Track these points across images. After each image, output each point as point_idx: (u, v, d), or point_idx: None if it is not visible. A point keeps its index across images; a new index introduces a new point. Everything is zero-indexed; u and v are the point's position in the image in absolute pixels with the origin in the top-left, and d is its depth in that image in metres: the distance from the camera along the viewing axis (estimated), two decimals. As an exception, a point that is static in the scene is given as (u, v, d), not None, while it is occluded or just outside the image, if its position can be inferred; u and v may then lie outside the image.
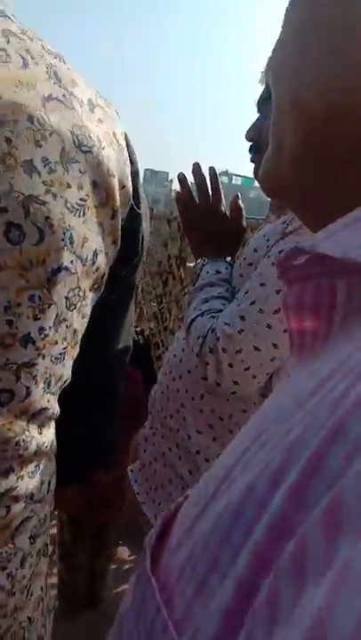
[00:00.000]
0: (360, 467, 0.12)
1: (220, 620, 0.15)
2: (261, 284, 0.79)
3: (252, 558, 0.15)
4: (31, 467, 0.46)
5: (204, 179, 0.99)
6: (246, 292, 0.80)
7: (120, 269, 0.48)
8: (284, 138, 0.28)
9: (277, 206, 0.96)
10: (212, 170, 1.00)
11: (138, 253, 0.50)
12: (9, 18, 0.37)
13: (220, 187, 1.03)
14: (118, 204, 0.44)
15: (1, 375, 0.40)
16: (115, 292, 0.49)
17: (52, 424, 0.49)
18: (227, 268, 0.96)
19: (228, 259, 1.00)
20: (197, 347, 0.81)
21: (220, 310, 0.84)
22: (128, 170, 0.45)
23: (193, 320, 0.85)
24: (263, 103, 0.95)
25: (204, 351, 0.79)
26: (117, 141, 0.44)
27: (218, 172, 1.06)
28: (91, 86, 0.41)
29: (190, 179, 1.02)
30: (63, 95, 0.38)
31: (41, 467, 0.48)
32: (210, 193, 1.00)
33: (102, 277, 0.46)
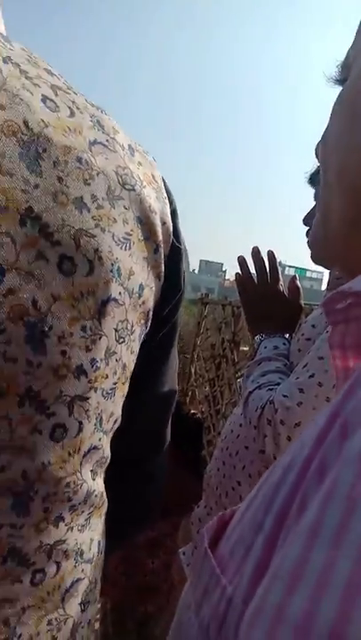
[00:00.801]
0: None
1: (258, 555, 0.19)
2: (320, 358, 0.79)
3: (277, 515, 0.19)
4: (81, 519, 0.45)
5: (263, 260, 1.04)
6: (305, 366, 0.81)
7: (164, 307, 0.49)
8: (332, 203, 0.32)
9: (334, 284, 0.99)
10: (270, 253, 1.05)
11: (180, 289, 0.51)
12: (56, 75, 0.42)
13: (278, 267, 1.07)
14: (160, 239, 0.46)
15: (55, 409, 0.39)
16: (159, 332, 0.50)
17: (102, 473, 0.47)
18: (284, 344, 0.97)
19: (286, 335, 1.01)
20: (255, 418, 0.80)
21: (279, 383, 0.84)
22: (167, 208, 0.47)
23: (251, 392, 0.85)
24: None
25: (262, 423, 0.79)
26: (156, 181, 0.47)
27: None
28: (127, 135, 0.46)
29: (249, 262, 1.07)
30: (106, 140, 0.42)
31: (91, 521, 0.46)
32: (268, 274, 1.04)
33: (148, 312, 0.47)
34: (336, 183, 0.31)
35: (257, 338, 1.02)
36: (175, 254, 0.48)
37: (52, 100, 0.39)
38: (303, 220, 1.06)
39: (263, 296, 1.03)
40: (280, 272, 1.08)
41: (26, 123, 0.36)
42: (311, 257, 0.40)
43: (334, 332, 0.26)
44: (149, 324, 0.47)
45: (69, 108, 0.40)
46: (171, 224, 0.47)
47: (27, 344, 0.37)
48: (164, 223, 0.46)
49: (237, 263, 1.08)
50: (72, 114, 0.40)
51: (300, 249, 1.12)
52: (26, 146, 0.36)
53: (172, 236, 0.48)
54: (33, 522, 0.40)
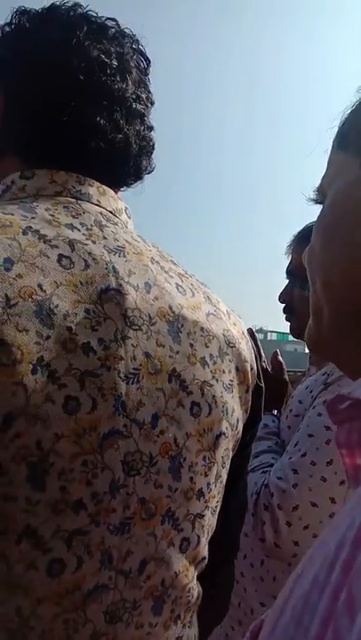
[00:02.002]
0: None
1: None
2: (310, 435, 0.79)
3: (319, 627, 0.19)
4: (188, 616, 0.52)
5: (255, 337, 1.06)
6: (296, 444, 0.81)
7: (246, 433, 0.59)
8: (321, 309, 0.37)
9: (316, 359, 1.01)
10: (250, 330, 1.08)
11: (260, 419, 0.62)
12: (177, 264, 0.55)
13: (260, 345, 1.09)
14: (250, 382, 0.57)
15: (183, 525, 0.49)
16: (241, 452, 0.59)
17: None
18: (273, 422, 0.97)
19: (275, 412, 1.01)
20: (252, 505, 0.79)
21: (271, 464, 0.83)
22: (254, 355, 0.59)
23: (245, 476, 0.84)
24: (291, 273, 1.07)
25: (259, 509, 0.77)
26: (245, 337, 0.59)
27: (254, 330, 1.14)
28: (222, 301, 0.59)
29: None
30: (215, 311, 0.55)
31: (193, 619, 0.54)
32: None
33: (238, 440, 0.57)
34: (323, 295, 0.36)
35: (246, 417, 1.02)
36: (258, 391, 0.60)
37: (181, 286, 0.52)
38: (279, 299, 1.10)
39: None
40: (262, 338, 1.11)
41: (170, 307, 0.49)
42: (310, 351, 0.43)
43: (340, 432, 0.28)
44: (237, 447, 0.57)
45: (191, 290, 0.54)
46: (256, 368, 0.59)
47: (169, 473, 0.47)
48: (252, 369, 0.58)
49: None
50: (193, 294, 0.53)
51: (281, 314, 1.16)
52: (171, 324, 0.49)
53: (256, 378, 0.59)
54: (163, 620, 0.48)
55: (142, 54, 0.58)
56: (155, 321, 0.47)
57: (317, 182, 0.41)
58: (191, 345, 0.50)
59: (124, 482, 0.43)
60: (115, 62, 0.53)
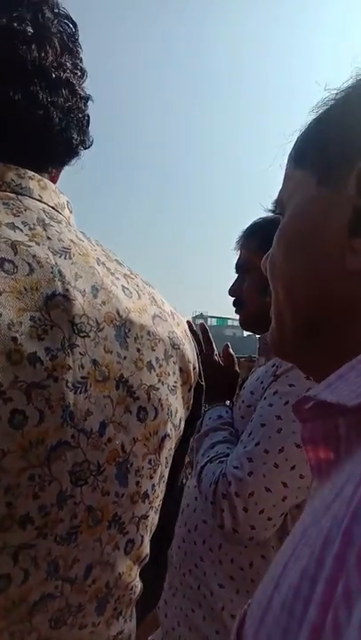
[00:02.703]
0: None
1: None
2: (262, 425, 0.84)
3: (312, 626, 0.20)
4: (129, 610, 0.53)
5: (196, 334, 1.10)
6: (250, 434, 0.85)
7: (186, 429, 0.59)
8: (283, 315, 0.39)
9: (264, 349, 1.06)
10: (202, 325, 1.11)
11: (199, 416, 0.63)
12: (122, 264, 0.54)
13: (211, 338, 1.13)
14: (192, 381, 0.58)
15: (128, 528, 0.49)
16: (180, 446, 0.59)
17: None
18: (227, 412, 1.01)
19: (228, 402, 1.06)
20: (211, 494, 0.83)
21: (228, 454, 0.87)
22: (195, 354, 0.59)
23: (203, 467, 0.88)
24: (240, 268, 1.11)
25: (218, 497, 0.81)
26: (188, 336, 0.59)
27: (194, 316, 1.18)
28: (166, 302, 0.58)
29: None
30: (160, 312, 0.54)
31: (133, 612, 0.55)
32: (203, 346, 1.09)
33: (180, 437, 0.57)
34: (285, 302, 0.38)
35: (200, 409, 1.05)
36: (199, 389, 0.60)
37: (127, 288, 0.51)
38: (229, 292, 1.14)
39: (201, 367, 1.08)
40: (203, 322, 1.15)
41: (117, 312, 0.48)
42: (274, 354, 0.45)
43: (305, 429, 0.31)
44: (178, 442, 0.58)
45: (137, 291, 0.52)
46: (198, 366, 0.60)
47: (116, 479, 0.46)
48: (194, 368, 0.58)
49: None
50: (139, 296, 0.52)
51: (221, 299, 1.20)
52: (118, 329, 0.48)
53: (197, 376, 0.60)
54: (105, 618, 0.49)
55: (68, 18, 0.53)
56: (102, 327, 0.46)
57: (275, 194, 0.44)
58: (138, 350, 0.49)
59: (71, 492, 0.43)
60: (29, 29, 0.48)
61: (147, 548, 0.53)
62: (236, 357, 1.17)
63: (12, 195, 0.47)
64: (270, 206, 0.44)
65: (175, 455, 0.57)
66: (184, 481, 0.69)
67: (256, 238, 1.08)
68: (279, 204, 0.42)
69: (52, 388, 0.41)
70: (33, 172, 0.50)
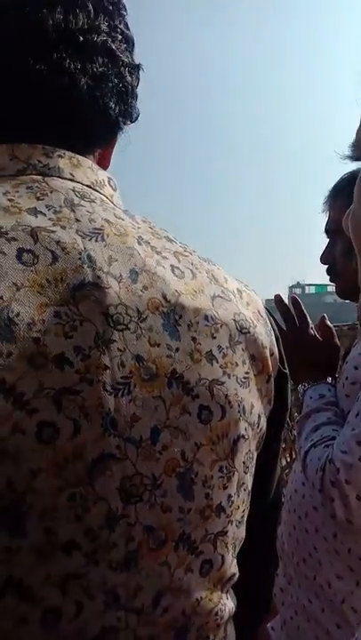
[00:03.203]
0: None
1: None
2: (371, 404, 0.76)
3: None
4: (220, 633, 0.47)
5: (288, 308, 1.02)
6: (357, 415, 0.77)
7: (272, 426, 0.52)
8: None
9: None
10: (294, 298, 1.04)
11: (287, 409, 0.54)
12: (174, 241, 0.47)
13: (305, 311, 1.05)
14: (271, 370, 0.49)
15: (202, 547, 0.43)
16: (268, 449, 0.52)
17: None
18: (330, 390, 0.94)
19: (329, 379, 0.98)
20: (318, 481, 0.76)
21: (333, 437, 0.80)
22: (273, 337, 0.51)
23: (307, 452, 0.81)
24: (330, 232, 1.01)
25: (327, 486, 0.75)
26: (262, 317, 0.50)
27: (291, 285, 1.10)
28: (233, 278, 0.51)
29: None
30: (222, 292, 0.47)
31: (228, 631, 0.49)
32: (296, 320, 1.02)
33: (262, 437, 0.50)
34: None
35: (300, 388, 0.98)
36: (282, 378, 0.52)
37: (177, 268, 0.44)
38: (321, 260, 1.05)
39: (296, 344, 1.00)
40: (300, 292, 1.07)
41: (164, 296, 0.42)
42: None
43: None
44: (262, 444, 0.51)
45: (190, 270, 0.45)
46: (277, 352, 0.51)
47: (179, 493, 0.40)
48: (272, 354, 0.50)
49: None
50: (194, 275, 0.45)
51: (317, 266, 1.12)
52: (166, 316, 0.41)
53: (278, 363, 0.51)
54: None
55: None
56: (145, 316, 0.40)
57: (351, 138, 0.37)
58: (194, 339, 0.42)
59: (123, 511, 0.38)
60: None
61: (231, 568, 0.47)
62: (339, 325, 1.08)
63: (38, 177, 0.43)
64: (348, 151, 0.37)
65: (261, 459, 0.50)
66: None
67: (343, 196, 0.97)
68: (357, 146, 0.36)
69: (87, 393, 0.36)
70: (64, 151, 0.45)
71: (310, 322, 1.05)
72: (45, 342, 0.35)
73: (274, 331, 0.52)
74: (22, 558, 0.35)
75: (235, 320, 0.46)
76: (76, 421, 0.35)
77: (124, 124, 0.50)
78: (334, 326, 1.16)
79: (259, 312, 0.50)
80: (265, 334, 0.49)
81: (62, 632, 0.36)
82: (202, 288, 0.45)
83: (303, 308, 1.06)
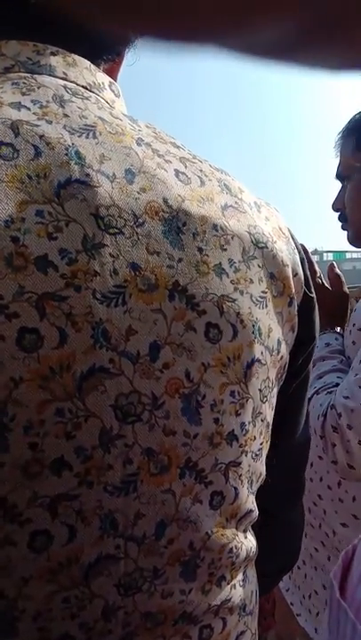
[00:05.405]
0: None
1: None
2: (377, 348, 0.73)
3: None
4: (240, 575, 0.45)
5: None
6: (362, 360, 0.74)
7: (298, 357, 0.48)
8: None
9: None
10: (301, 246, 1.00)
11: (313, 339, 0.50)
12: (180, 147, 0.43)
13: (311, 259, 1.01)
14: (293, 291, 0.45)
15: (212, 477, 0.39)
16: (292, 382, 0.49)
17: (251, 528, 0.48)
18: (336, 339, 0.91)
19: (338, 329, 0.95)
20: (319, 427, 0.74)
21: (337, 384, 0.78)
22: (298, 257, 0.46)
23: (310, 399, 0.79)
24: (341, 176, 0.96)
25: (328, 431, 0.73)
26: (284, 234, 0.46)
27: (308, 252, 1.06)
28: (249, 192, 0.46)
29: None
30: (235, 202, 0.42)
31: (248, 575, 0.47)
32: None
33: (285, 366, 0.46)
34: None
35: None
36: (307, 304, 0.47)
37: (183, 173, 0.40)
38: (332, 206, 1.01)
39: None
40: (318, 259, 1.03)
41: (165, 200, 0.37)
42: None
43: None
44: (285, 376, 0.47)
45: (199, 177, 0.41)
46: (302, 274, 0.46)
47: (183, 416, 0.37)
48: (295, 274, 0.45)
49: None
50: (202, 183, 0.41)
51: (336, 232, 1.05)
52: (167, 223, 0.37)
53: (303, 287, 0.47)
54: (199, 585, 0.41)
55: None
56: (142, 220, 0.36)
57: None
58: (200, 249, 0.38)
59: (119, 431, 0.35)
60: None
61: (248, 503, 0.43)
62: (355, 287, 1.04)
63: (26, 74, 0.39)
64: None
65: (286, 391, 0.46)
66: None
67: (353, 137, 0.92)
68: None
69: (74, 300, 0.33)
70: (57, 48, 0.40)
71: (318, 270, 1.01)
72: (25, 242, 0.32)
73: (299, 252, 0.47)
74: (5, 474, 0.32)
75: (249, 232, 0.41)
76: (62, 330, 0.32)
77: (135, 36, 0.44)
78: (349, 287, 1.12)
79: (280, 228, 0.45)
80: (287, 252, 0.44)
81: (54, 557, 0.34)
82: (211, 196, 0.40)
83: (310, 255, 1.02)
